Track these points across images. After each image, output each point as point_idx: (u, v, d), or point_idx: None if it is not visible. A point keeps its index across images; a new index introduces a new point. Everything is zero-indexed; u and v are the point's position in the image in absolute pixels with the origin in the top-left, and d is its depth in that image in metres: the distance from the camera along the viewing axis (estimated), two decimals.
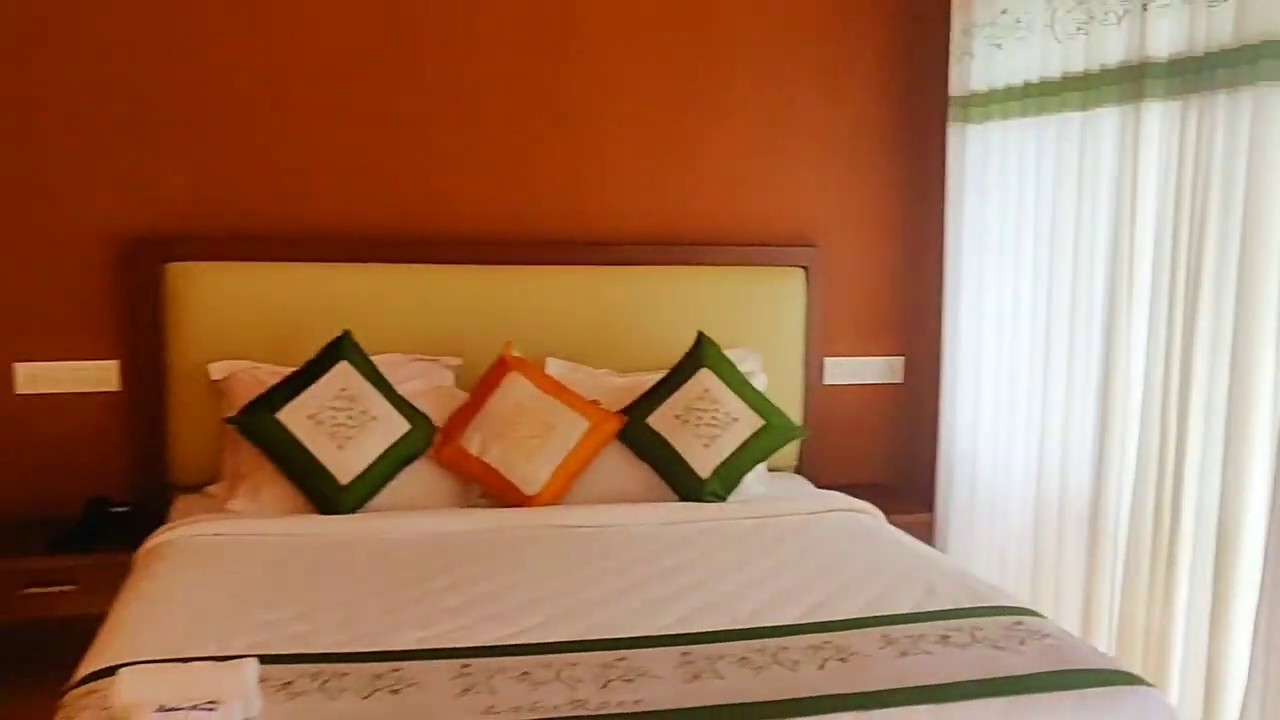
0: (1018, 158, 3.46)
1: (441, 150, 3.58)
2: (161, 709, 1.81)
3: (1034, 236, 3.39)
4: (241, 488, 3.12)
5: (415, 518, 3.05)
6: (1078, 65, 3.14)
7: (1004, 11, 3.44)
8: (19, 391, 3.33)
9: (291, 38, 3.43)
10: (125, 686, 1.87)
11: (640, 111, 3.72)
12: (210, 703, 1.84)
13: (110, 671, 2.02)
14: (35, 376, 3.34)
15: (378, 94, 3.51)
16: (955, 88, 3.66)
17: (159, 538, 2.88)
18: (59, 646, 3.22)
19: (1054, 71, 3.24)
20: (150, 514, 3.23)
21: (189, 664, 1.99)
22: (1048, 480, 3.33)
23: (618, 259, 3.70)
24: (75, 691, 2.04)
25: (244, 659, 1.97)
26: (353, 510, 3.08)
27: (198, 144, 3.39)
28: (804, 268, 3.83)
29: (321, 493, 3.06)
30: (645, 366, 3.57)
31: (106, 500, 3.27)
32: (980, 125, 3.59)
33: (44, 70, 3.26)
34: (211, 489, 3.26)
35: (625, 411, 3.37)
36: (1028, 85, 3.36)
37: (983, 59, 3.55)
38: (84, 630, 3.06)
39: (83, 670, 2.14)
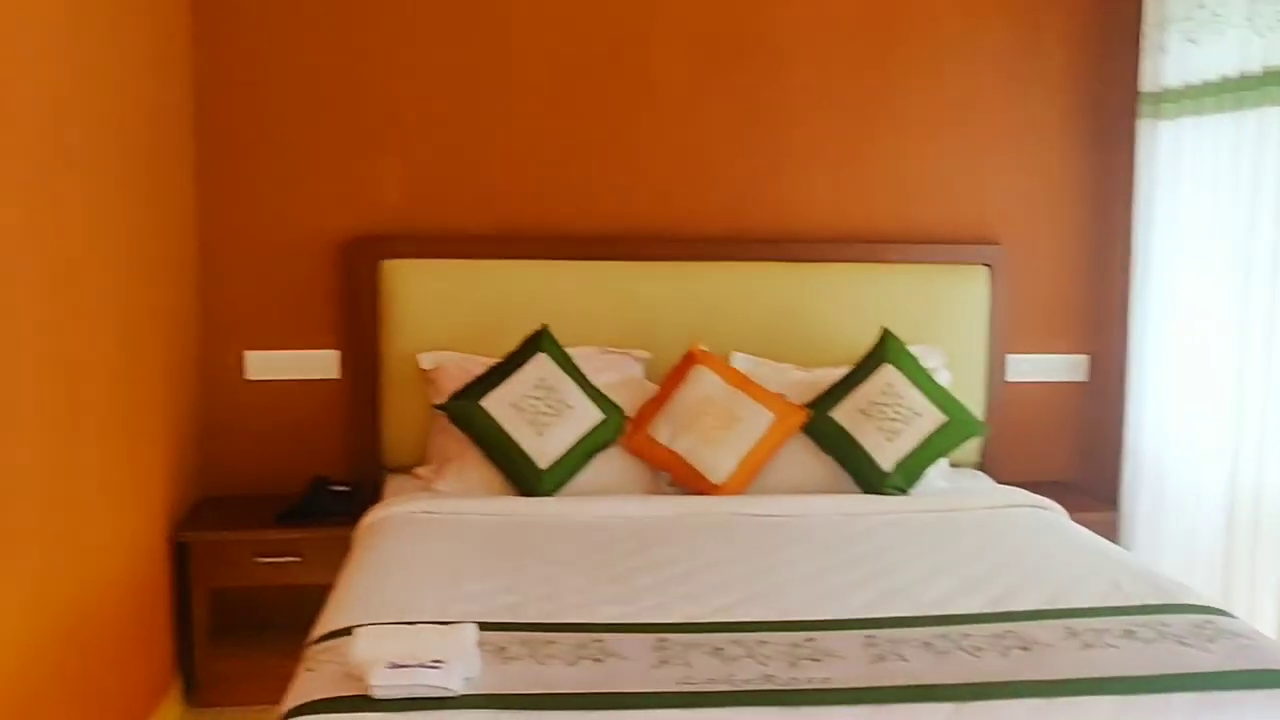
0: (1213, 154, 3.41)
1: (634, 151, 3.74)
2: (393, 665, 2.01)
3: (1230, 234, 3.34)
4: (448, 470, 3.35)
5: (607, 502, 3.22)
6: (1279, 59, 3.09)
7: (1200, 5, 3.39)
8: (249, 378, 3.64)
9: (496, 47, 3.64)
10: (360, 644, 2.08)
11: (824, 109, 3.81)
12: (436, 661, 2.03)
13: (346, 631, 2.24)
14: (264, 364, 3.65)
15: (575, 99, 3.70)
16: (1146, 83, 3.62)
17: (375, 514, 3.13)
18: (285, 611, 3.53)
19: (1254, 65, 3.19)
20: (366, 492, 3.50)
21: (415, 626, 2.19)
22: (1242, 481, 3.28)
23: (802, 256, 3.79)
24: (315, 648, 2.26)
25: (464, 624, 2.16)
26: (550, 493, 3.27)
27: (410, 150, 3.64)
28: (987, 265, 3.85)
29: (521, 476, 3.26)
30: (828, 361, 3.66)
31: (327, 479, 3.54)
32: (1173, 121, 3.54)
33: (274, 85, 3.56)
34: (420, 470, 3.50)
35: (809, 405, 3.47)
36: (1225, 80, 3.31)
37: (1176, 54, 3.50)
38: (308, 597, 3.35)
39: (321, 629, 2.36)
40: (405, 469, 3.58)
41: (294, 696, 2.07)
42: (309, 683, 2.10)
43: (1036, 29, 3.86)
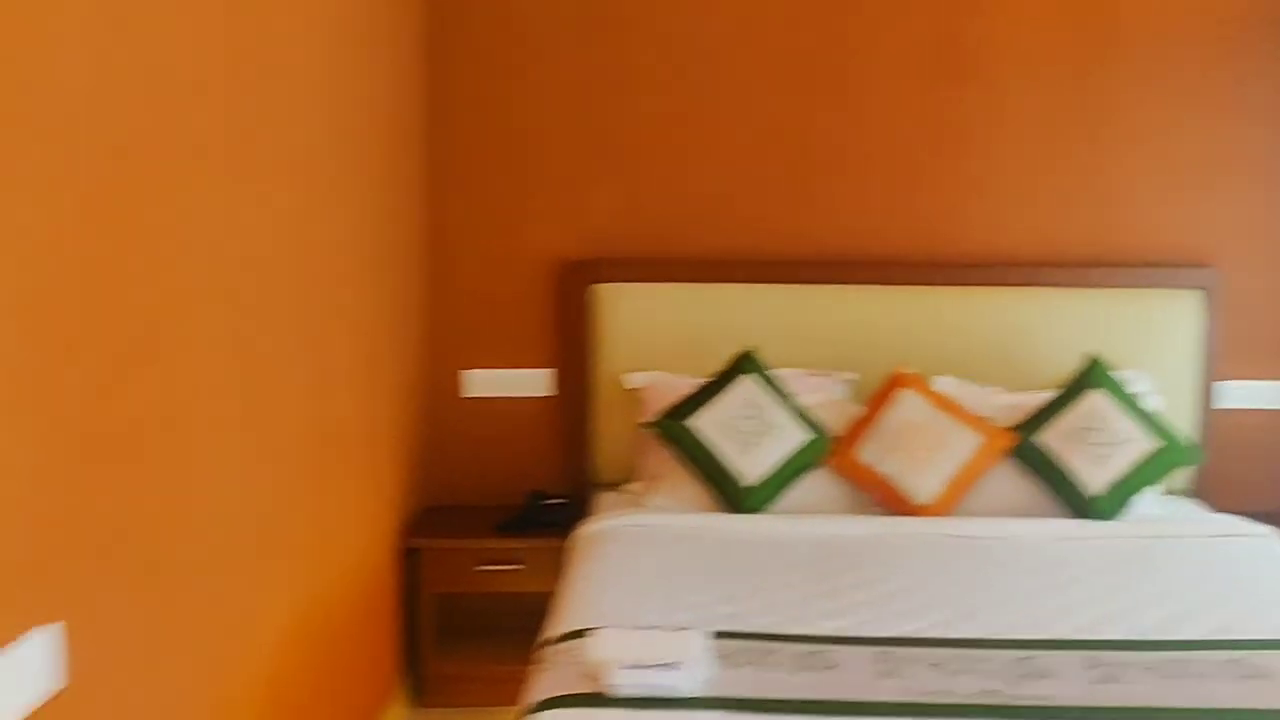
0: None
1: (839, 176, 3.81)
2: (630, 665, 2.14)
3: None
4: (658, 486, 3.47)
5: (813, 521, 3.28)
6: None
7: None
8: (467, 395, 3.85)
9: (708, 76, 3.77)
10: (598, 645, 2.21)
11: (1029, 133, 3.80)
12: (671, 663, 2.14)
13: (580, 634, 2.38)
14: (481, 382, 3.85)
15: (782, 126, 3.79)
16: None
17: (591, 527, 3.27)
18: (505, 617, 3.72)
19: None
20: (577, 507, 3.65)
21: (649, 630, 2.31)
22: None
23: (1006, 280, 3.79)
24: (551, 648, 2.40)
25: (695, 629, 2.27)
26: (756, 510, 3.36)
27: (622, 175, 3.80)
28: (1201, 289, 3.78)
29: (729, 493, 3.36)
30: (1033, 385, 3.65)
31: (542, 493, 3.71)
32: None
33: (495, 114, 3.76)
34: (630, 486, 3.63)
35: (1015, 429, 3.47)
36: None
37: None
38: (526, 604, 3.53)
39: (553, 631, 2.50)
40: (614, 485, 3.72)
41: (535, 693, 2.21)
42: (548, 680, 2.23)
43: (1254, 50, 3.77)
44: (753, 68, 3.78)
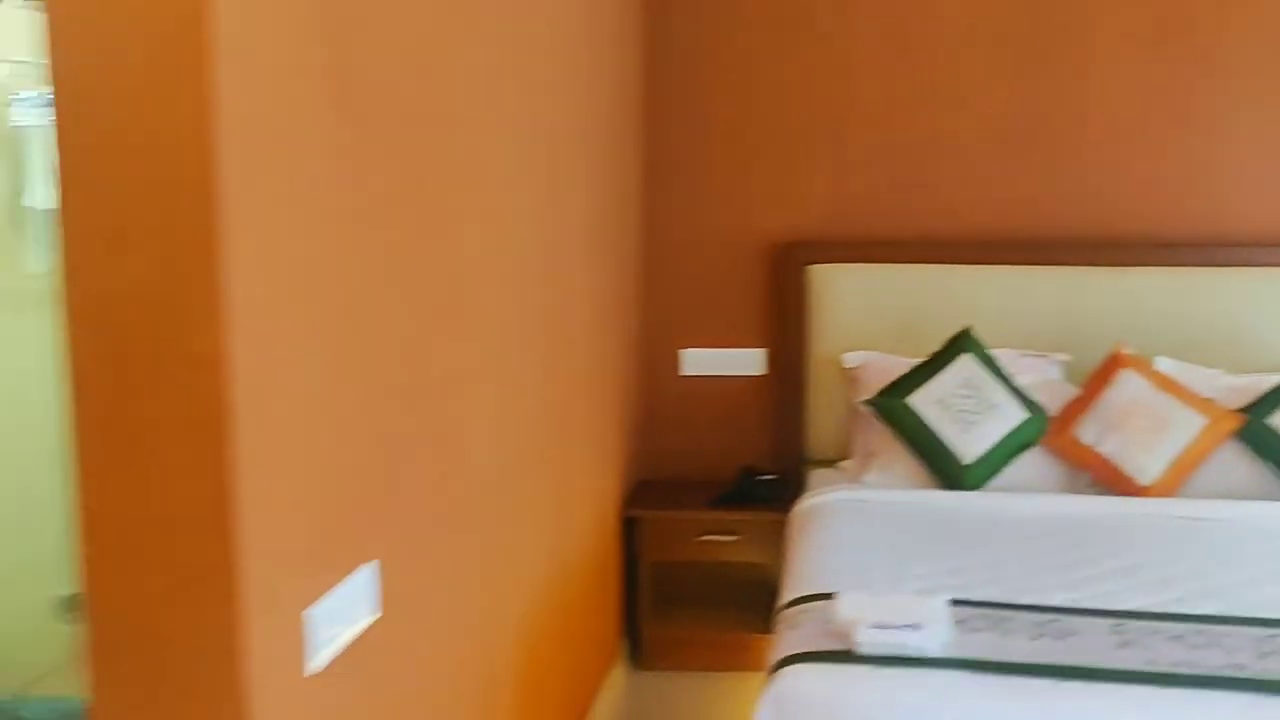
0: None
1: (1058, 155, 3.80)
2: (875, 625, 2.23)
3: None
4: (873, 463, 3.54)
5: (1031, 498, 3.30)
6: None
7: None
8: (684, 373, 3.99)
9: (922, 56, 3.81)
10: (844, 606, 2.30)
11: (1257, 112, 3.71)
12: (914, 624, 2.22)
13: (815, 598, 2.48)
14: (697, 360, 3.98)
15: (1000, 105, 3.80)
16: None
17: (809, 501, 3.36)
18: (718, 586, 3.86)
19: None
20: (789, 483, 3.75)
21: (891, 594, 2.39)
22: None
23: (1227, 261, 3.72)
24: (791, 610, 2.51)
25: (936, 595, 2.34)
26: (973, 488, 3.39)
27: (839, 159, 3.87)
28: None
29: (946, 470, 3.40)
30: (1260, 368, 3.58)
31: (754, 469, 3.82)
32: None
33: (711, 97, 3.89)
34: (843, 464, 3.71)
35: (1242, 410, 3.41)
36: None
37: None
38: (738, 574, 3.67)
39: (791, 594, 2.61)
40: (826, 462, 3.80)
41: (781, 649, 2.32)
42: (793, 638, 2.34)
43: None
44: (970, 49, 3.80)
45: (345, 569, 1.66)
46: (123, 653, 1.39)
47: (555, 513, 2.89)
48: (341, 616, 1.64)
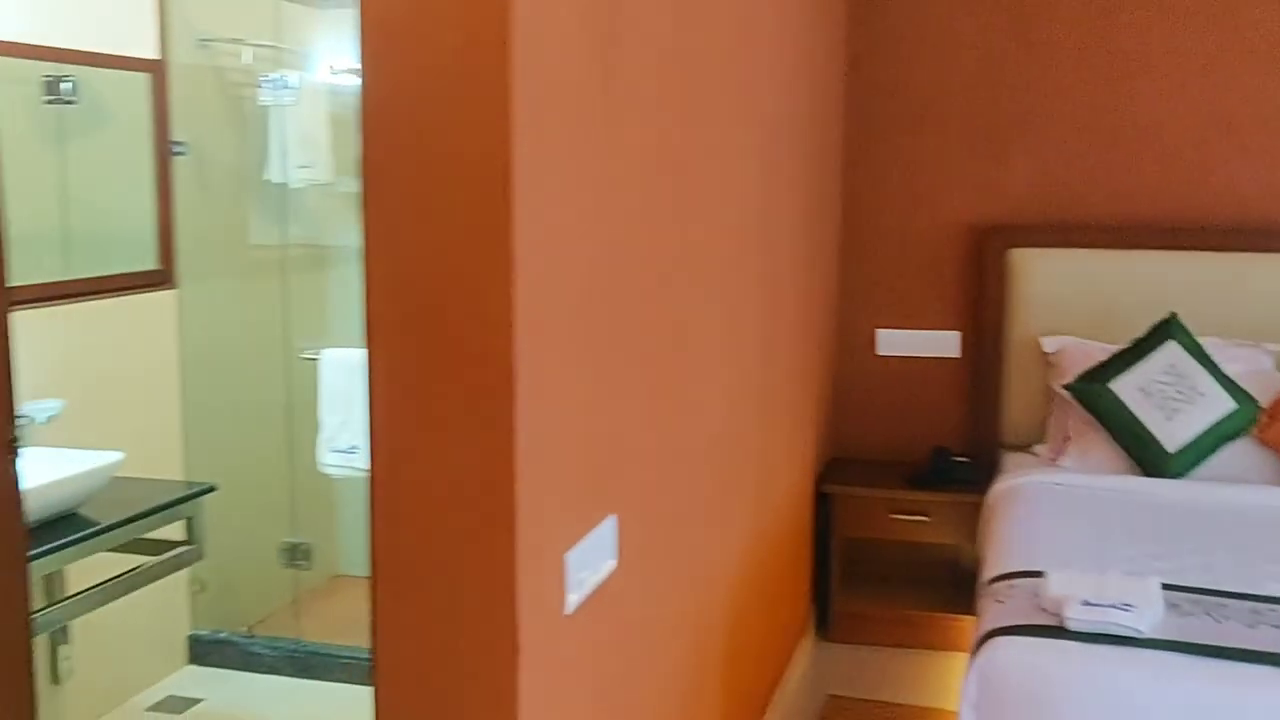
0: None
1: (1258, 140, 3.70)
2: (1086, 603, 2.26)
3: None
4: (1070, 448, 3.53)
5: (1240, 489, 3.25)
6: None
7: None
8: (879, 353, 4.04)
9: (1125, 42, 3.75)
10: (1055, 582, 2.34)
11: None
12: (1126, 604, 2.24)
13: (1022, 574, 2.52)
14: (892, 341, 4.02)
15: (1203, 90, 3.72)
16: None
17: (1006, 482, 3.38)
18: (905, 565, 3.92)
19: None
20: (982, 465, 3.77)
21: (1103, 573, 2.42)
22: None
23: None
24: (997, 585, 2.56)
25: (1148, 576, 2.36)
26: (1176, 476, 3.35)
27: (1039, 144, 3.85)
28: None
29: (1148, 457, 3.37)
30: None
31: (947, 450, 3.85)
32: None
33: (912, 81, 3.91)
34: (1037, 448, 3.70)
35: None
36: None
37: None
38: (926, 554, 3.71)
39: (996, 570, 2.65)
40: (1019, 446, 3.79)
41: (989, 622, 2.37)
42: (1001, 612, 2.39)
43: None
44: (1181, 31, 3.72)
45: (594, 520, 1.79)
46: (408, 592, 1.53)
47: (760, 483, 2.99)
48: (590, 563, 1.77)
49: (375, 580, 1.57)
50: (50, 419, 2.92)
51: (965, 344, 3.97)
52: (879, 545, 3.87)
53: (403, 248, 1.48)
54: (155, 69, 3.37)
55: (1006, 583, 2.54)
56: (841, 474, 3.87)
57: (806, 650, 3.67)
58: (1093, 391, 3.48)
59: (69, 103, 3.11)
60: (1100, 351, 3.60)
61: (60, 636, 3.07)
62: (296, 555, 3.90)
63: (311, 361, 3.71)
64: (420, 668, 1.55)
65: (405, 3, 1.42)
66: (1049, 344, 3.73)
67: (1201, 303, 3.66)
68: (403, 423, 1.51)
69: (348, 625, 3.88)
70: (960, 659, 3.50)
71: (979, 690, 2.25)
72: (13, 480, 1.83)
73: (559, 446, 1.62)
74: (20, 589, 1.86)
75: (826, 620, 3.83)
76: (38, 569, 2.48)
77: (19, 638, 1.85)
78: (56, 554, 2.50)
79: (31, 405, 2.85)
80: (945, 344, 3.98)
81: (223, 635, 3.68)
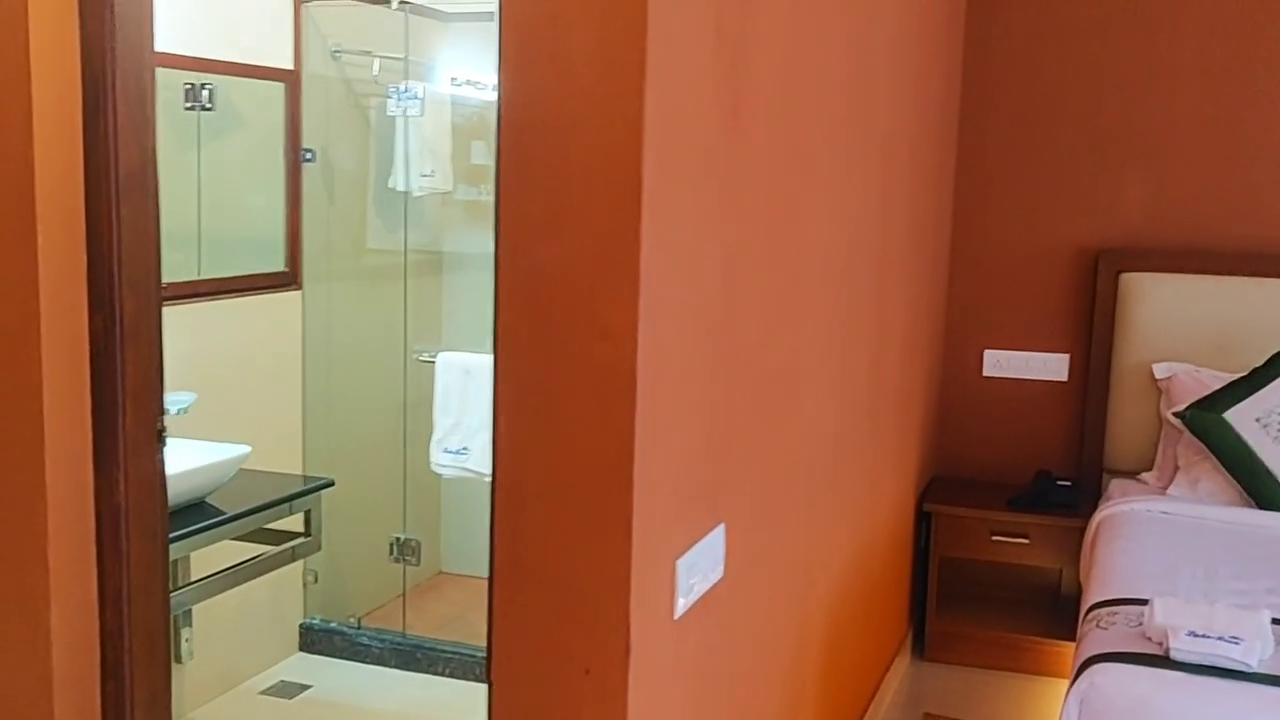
0: None
1: None
2: (1192, 633, 2.24)
3: None
4: (1180, 476, 3.48)
5: None
6: None
7: None
8: (986, 374, 4.02)
9: (1243, 70, 3.69)
10: (1160, 611, 2.33)
11: None
12: (1234, 637, 2.22)
13: (1126, 601, 2.50)
14: (999, 362, 4.01)
15: None
16: None
17: (1111, 509, 3.35)
18: (1003, 587, 3.90)
19: None
20: (1086, 490, 3.74)
21: (1211, 604, 2.40)
22: None
23: None
24: (1097, 611, 2.55)
25: (1259, 609, 2.33)
26: None
27: (1154, 167, 3.81)
28: None
29: (1261, 490, 3.32)
30: None
31: (1050, 473, 3.82)
32: None
33: (1024, 105, 3.89)
34: (1144, 475, 3.66)
35: None
36: None
37: None
38: (1026, 576, 3.70)
39: (1099, 596, 2.64)
40: (1124, 472, 3.75)
41: (1091, 647, 2.37)
42: (1104, 638, 2.39)
43: None
44: None
45: (705, 528, 1.84)
46: (525, 592, 1.59)
47: (864, 499, 3.02)
48: (699, 570, 1.83)
49: (494, 580, 1.63)
50: (181, 411, 3.06)
51: (1073, 367, 3.93)
52: (978, 566, 3.86)
53: (533, 260, 1.55)
54: (290, 79, 3.52)
55: (1110, 609, 2.53)
56: (943, 493, 3.86)
57: (902, 668, 3.68)
58: (1206, 420, 3.43)
59: (206, 109, 3.26)
60: (1213, 380, 3.55)
61: (184, 619, 3.22)
62: (405, 551, 4.02)
63: (427, 364, 3.83)
64: (534, 665, 1.62)
65: (544, 26, 1.49)
66: (1160, 370, 3.68)
67: None
68: (527, 430, 1.58)
69: (450, 621, 3.98)
70: (1055, 684, 3.48)
71: (1079, 716, 2.25)
72: (159, 468, 1.95)
73: (674, 456, 1.67)
74: (162, 568, 1.98)
75: (922, 639, 3.83)
76: (170, 553, 2.61)
77: (159, 614, 1.97)
78: (187, 540, 2.63)
79: (167, 397, 2.99)
80: (1053, 367, 3.96)
81: (332, 625, 3.81)
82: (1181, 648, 2.22)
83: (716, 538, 1.89)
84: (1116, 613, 2.50)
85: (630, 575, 1.55)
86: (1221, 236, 3.76)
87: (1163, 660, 2.24)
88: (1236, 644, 2.21)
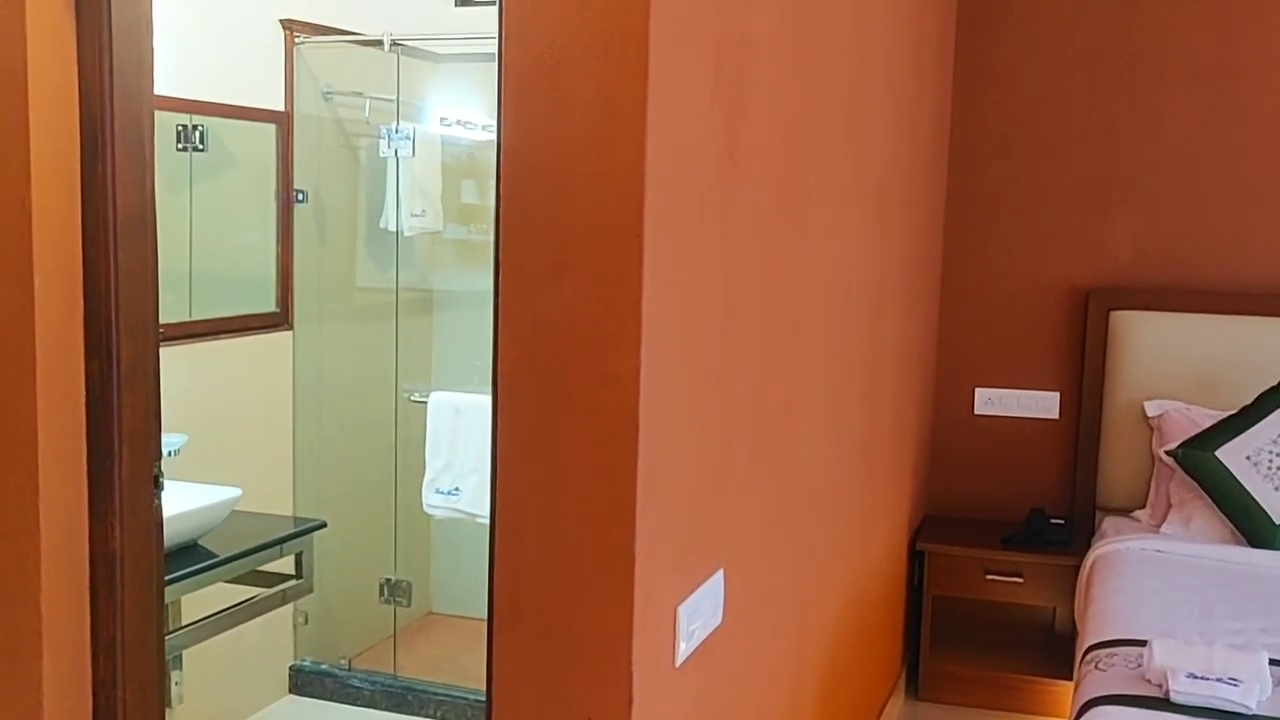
0: None
1: None
2: (1192, 675, 2.24)
3: None
4: (1172, 514, 3.49)
5: None
6: None
7: None
8: (977, 412, 4.03)
9: (1225, 110, 3.73)
10: (1159, 652, 2.32)
11: None
12: (1233, 678, 2.22)
13: (1124, 642, 2.50)
14: (990, 400, 4.02)
15: None
16: None
17: (1106, 547, 3.35)
18: (996, 626, 3.89)
19: None
20: (1079, 528, 3.74)
21: (1210, 645, 2.39)
22: None
23: None
24: (1095, 653, 2.54)
25: (1258, 650, 2.33)
26: None
27: (1142, 207, 3.84)
28: None
29: (1254, 529, 3.32)
30: None
31: (1043, 511, 3.82)
32: None
33: (1014, 145, 3.92)
34: (1137, 513, 3.66)
35: None
36: None
37: None
38: (1019, 615, 3.68)
39: (1096, 637, 2.63)
40: (1117, 509, 3.76)
41: (1090, 690, 2.36)
42: (1103, 680, 2.38)
43: None
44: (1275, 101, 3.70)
45: (704, 573, 1.83)
46: (525, 638, 1.58)
47: (858, 540, 3.01)
48: (700, 615, 1.81)
49: (493, 627, 1.62)
50: (173, 453, 3.04)
51: (1064, 405, 3.95)
52: (971, 605, 3.85)
53: (534, 305, 1.54)
54: (281, 119, 3.52)
55: (1108, 650, 2.52)
56: (936, 532, 3.86)
57: (897, 708, 3.66)
58: (1197, 458, 3.44)
59: (198, 150, 3.26)
60: (1204, 418, 3.56)
61: (174, 663, 3.18)
62: (396, 592, 3.98)
63: (418, 404, 3.82)
64: (535, 714, 1.60)
65: (544, 70, 1.48)
66: (1151, 408, 3.70)
67: None
68: (527, 476, 1.57)
69: (441, 662, 3.95)
70: None
71: None
72: (156, 514, 1.93)
73: (675, 501, 1.66)
74: (156, 615, 1.95)
75: (916, 678, 3.81)
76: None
77: (153, 661, 1.94)
78: (179, 583, 2.61)
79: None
80: (1044, 404, 3.97)
81: (323, 667, 3.77)
82: (1181, 690, 2.22)
83: (716, 583, 1.88)
84: (1115, 654, 2.49)
85: (633, 622, 1.53)
86: (1209, 275, 3.79)
87: (1163, 702, 2.24)
88: (1236, 685, 2.20)
